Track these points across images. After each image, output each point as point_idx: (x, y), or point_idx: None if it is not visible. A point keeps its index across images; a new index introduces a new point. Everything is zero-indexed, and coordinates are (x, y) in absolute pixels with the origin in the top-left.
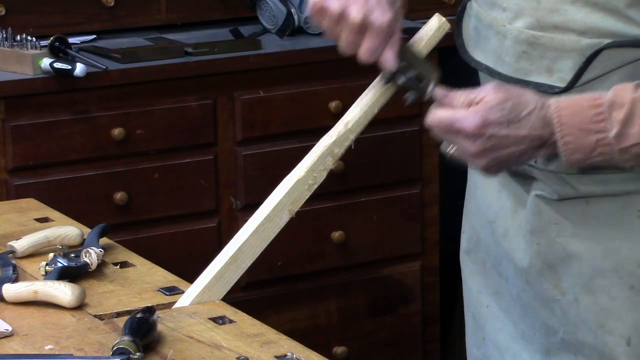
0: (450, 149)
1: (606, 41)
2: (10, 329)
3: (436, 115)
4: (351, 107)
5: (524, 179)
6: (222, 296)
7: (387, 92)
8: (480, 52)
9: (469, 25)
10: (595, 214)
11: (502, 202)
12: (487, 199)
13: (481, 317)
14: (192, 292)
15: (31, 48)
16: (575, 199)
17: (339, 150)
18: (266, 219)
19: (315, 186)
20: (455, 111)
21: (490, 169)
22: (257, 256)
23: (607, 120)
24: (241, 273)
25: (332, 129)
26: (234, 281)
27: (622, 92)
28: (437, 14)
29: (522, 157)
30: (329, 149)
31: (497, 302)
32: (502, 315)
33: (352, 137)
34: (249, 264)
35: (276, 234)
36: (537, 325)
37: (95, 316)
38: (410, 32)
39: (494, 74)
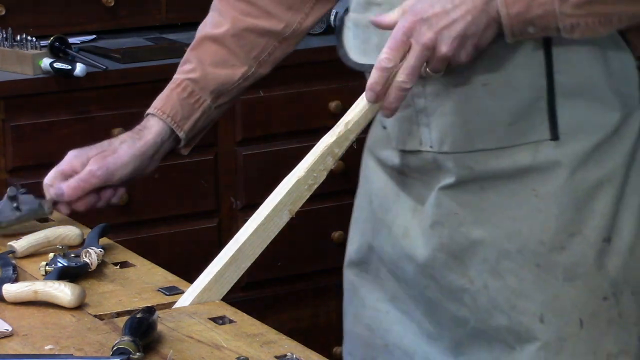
0: (416, 74)
1: None
2: (10, 329)
3: (379, 60)
4: (351, 107)
5: (426, 174)
6: (222, 296)
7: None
8: (362, 56)
9: (348, 36)
10: (492, 199)
11: (402, 204)
12: (387, 204)
13: (381, 325)
14: (192, 292)
15: (31, 48)
16: (472, 185)
17: (339, 150)
18: (266, 219)
19: (315, 186)
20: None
21: (458, 50)
22: (257, 256)
23: None
24: (241, 273)
25: (332, 129)
26: (234, 281)
27: None
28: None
29: (474, 24)
30: (329, 149)
31: (397, 307)
32: (404, 318)
33: (352, 137)
34: (249, 264)
35: (276, 234)
36: (445, 320)
37: (95, 316)
38: None
39: None
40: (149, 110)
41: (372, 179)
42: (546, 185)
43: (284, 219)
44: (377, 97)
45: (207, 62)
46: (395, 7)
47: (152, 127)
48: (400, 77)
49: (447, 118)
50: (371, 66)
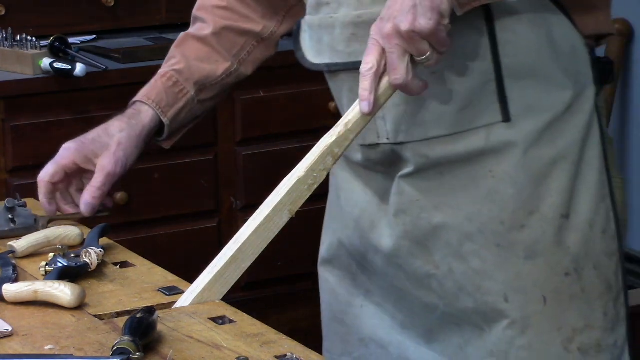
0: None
1: None
2: (10, 329)
3: (365, 66)
4: (351, 107)
5: (387, 166)
6: (222, 296)
7: (387, 92)
8: (317, 56)
9: (305, 39)
10: (450, 183)
11: (369, 198)
12: (353, 199)
13: (356, 319)
14: (192, 291)
15: (31, 48)
16: (430, 172)
17: (339, 150)
18: (266, 218)
19: (315, 186)
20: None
21: (416, 20)
22: (257, 256)
23: None
24: (241, 273)
25: (332, 128)
26: (234, 281)
27: None
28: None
29: None
30: (329, 149)
31: (370, 300)
32: (378, 310)
33: (352, 136)
34: (249, 264)
35: (276, 233)
36: (416, 308)
37: (95, 316)
38: None
39: (331, 67)
40: (136, 98)
41: (338, 174)
42: (501, 165)
43: (284, 218)
44: (369, 106)
45: (192, 57)
46: (342, 6)
47: (146, 112)
48: (390, 77)
49: (400, 109)
50: (326, 65)
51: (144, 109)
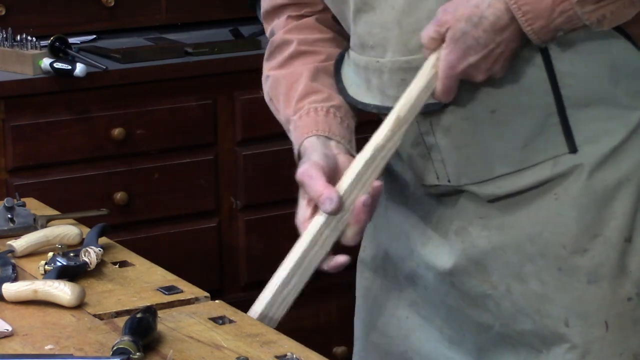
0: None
1: None
2: (10, 329)
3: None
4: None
5: (449, 197)
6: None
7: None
8: (365, 94)
9: (348, 72)
10: (515, 203)
11: (422, 213)
12: (403, 212)
13: (400, 331)
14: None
15: (31, 48)
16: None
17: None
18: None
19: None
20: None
21: (473, 68)
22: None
23: None
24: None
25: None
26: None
27: None
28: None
29: (494, 51)
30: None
31: (417, 312)
32: (425, 323)
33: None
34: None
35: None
36: (467, 326)
37: (94, 316)
38: None
39: (382, 110)
40: (311, 134)
41: (388, 188)
42: (565, 188)
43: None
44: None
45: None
46: (387, 51)
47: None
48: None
49: (461, 152)
50: (375, 106)
51: (332, 144)
